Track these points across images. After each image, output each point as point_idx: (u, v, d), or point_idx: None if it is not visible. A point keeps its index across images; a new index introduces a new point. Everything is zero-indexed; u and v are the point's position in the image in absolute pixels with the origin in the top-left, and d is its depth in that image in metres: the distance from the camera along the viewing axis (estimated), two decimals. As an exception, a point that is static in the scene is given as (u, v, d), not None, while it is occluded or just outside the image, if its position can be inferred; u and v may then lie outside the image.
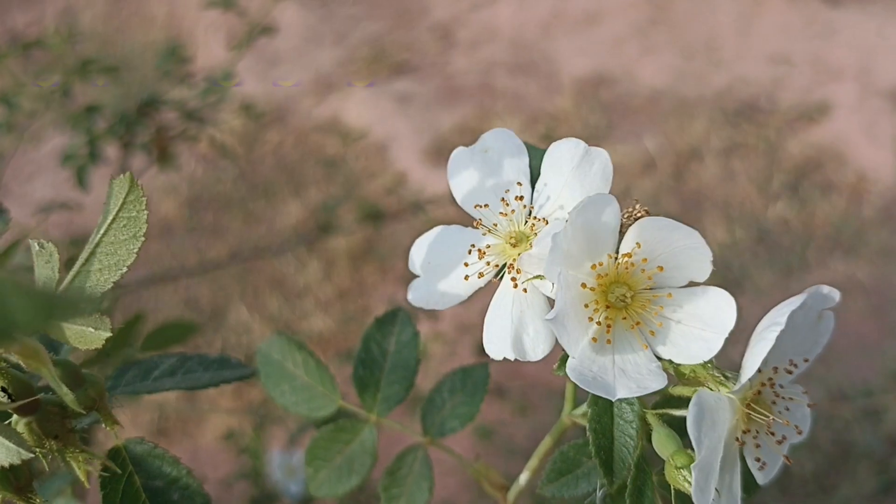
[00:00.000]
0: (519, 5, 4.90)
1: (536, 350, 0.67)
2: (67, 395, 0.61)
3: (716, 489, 0.62)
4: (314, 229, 3.24)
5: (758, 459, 0.67)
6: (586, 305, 0.64)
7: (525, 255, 0.67)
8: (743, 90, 4.07)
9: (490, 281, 0.71)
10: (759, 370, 0.63)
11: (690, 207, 3.50)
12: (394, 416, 0.90)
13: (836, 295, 0.66)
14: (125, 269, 0.63)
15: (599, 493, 0.70)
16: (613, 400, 0.62)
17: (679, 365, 0.64)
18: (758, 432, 0.66)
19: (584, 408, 0.72)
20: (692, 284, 0.65)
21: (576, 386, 0.65)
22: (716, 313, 0.64)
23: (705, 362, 0.64)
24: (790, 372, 0.67)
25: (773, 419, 0.66)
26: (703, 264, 0.63)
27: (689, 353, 0.63)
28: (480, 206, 0.72)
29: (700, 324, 0.64)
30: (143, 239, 0.63)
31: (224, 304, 3.43)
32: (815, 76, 4.07)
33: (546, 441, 0.80)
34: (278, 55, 4.57)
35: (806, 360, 0.69)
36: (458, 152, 0.76)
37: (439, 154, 3.94)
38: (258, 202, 3.90)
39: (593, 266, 0.65)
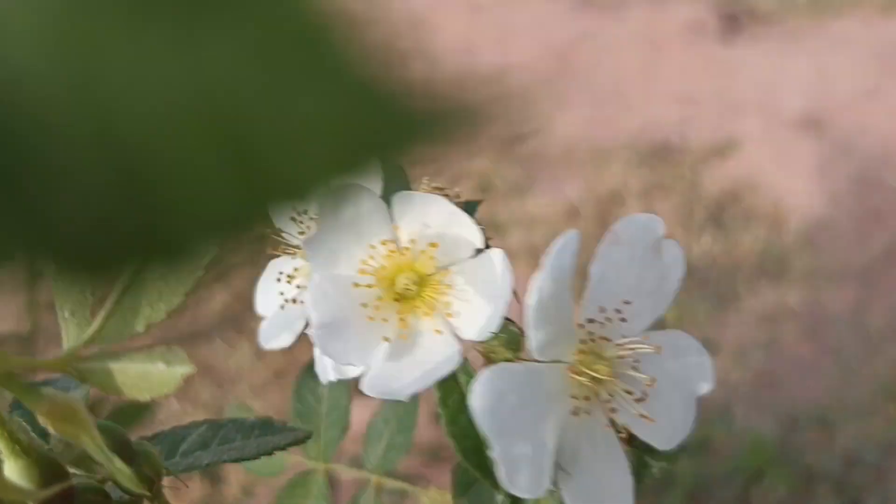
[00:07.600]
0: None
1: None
2: (123, 473, 0.42)
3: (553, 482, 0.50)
4: (241, 311, 3.14)
5: (615, 425, 0.53)
6: (364, 305, 0.55)
7: None
8: (654, 132, 4.14)
9: None
10: (580, 324, 0.52)
11: (617, 251, 3.51)
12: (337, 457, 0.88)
13: (656, 223, 0.54)
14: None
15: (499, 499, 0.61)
16: (405, 399, 0.53)
17: (480, 344, 0.55)
18: (610, 396, 0.53)
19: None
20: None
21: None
22: (491, 277, 0.53)
23: (496, 333, 0.53)
24: (624, 319, 0.54)
25: (615, 377, 0.52)
26: (469, 230, 0.54)
27: (479, 327, 0.53)
28: None
29: (483, 293, 0.54)
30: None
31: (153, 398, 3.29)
32: (721, 112, 4.17)
33: None
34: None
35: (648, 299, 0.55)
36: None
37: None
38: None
39: (363, 260, 0.56)
